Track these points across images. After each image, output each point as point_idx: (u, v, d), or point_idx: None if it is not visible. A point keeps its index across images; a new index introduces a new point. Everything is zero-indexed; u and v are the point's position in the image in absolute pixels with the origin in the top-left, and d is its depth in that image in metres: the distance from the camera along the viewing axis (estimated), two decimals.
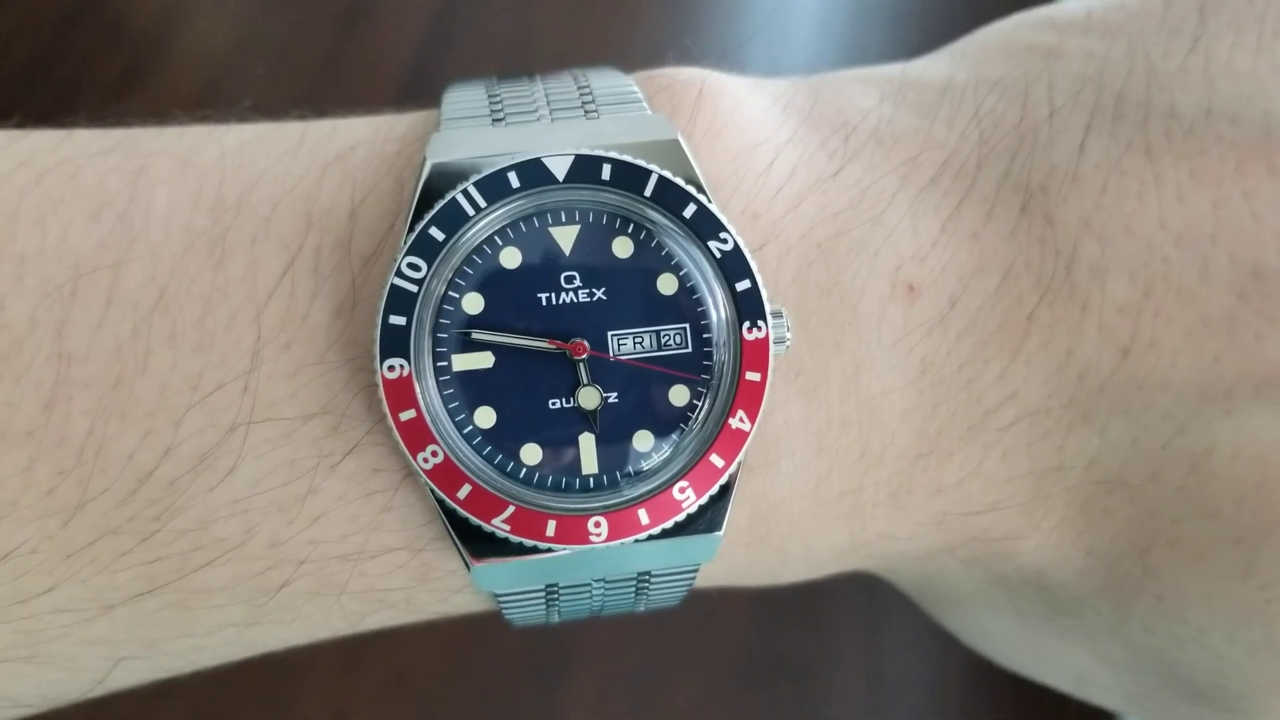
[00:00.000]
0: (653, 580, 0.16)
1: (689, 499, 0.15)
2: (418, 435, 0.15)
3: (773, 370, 0.16)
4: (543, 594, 0.16)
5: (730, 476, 0.16)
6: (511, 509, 0.15)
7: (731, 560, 0.18)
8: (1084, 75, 0.17)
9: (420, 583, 0.16)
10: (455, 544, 0.15)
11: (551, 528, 0.15)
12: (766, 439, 0.16)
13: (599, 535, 0.15)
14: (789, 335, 0.16)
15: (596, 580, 0.16)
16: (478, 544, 0.15)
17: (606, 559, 0.15)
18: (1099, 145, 0.17)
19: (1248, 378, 0.15)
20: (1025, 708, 0.82)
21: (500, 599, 0.16)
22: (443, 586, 0.16)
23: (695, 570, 0.17)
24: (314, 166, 0.16)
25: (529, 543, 0.15)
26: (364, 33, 1.18)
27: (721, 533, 0.16)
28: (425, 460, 0.15)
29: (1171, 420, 0.16)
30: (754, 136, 0.18)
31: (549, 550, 0.15)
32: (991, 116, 0.18)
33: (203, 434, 0.15)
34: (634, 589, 0.16)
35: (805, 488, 0.17)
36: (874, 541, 0.18)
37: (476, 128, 0.15)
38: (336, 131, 0.16)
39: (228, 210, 0.15)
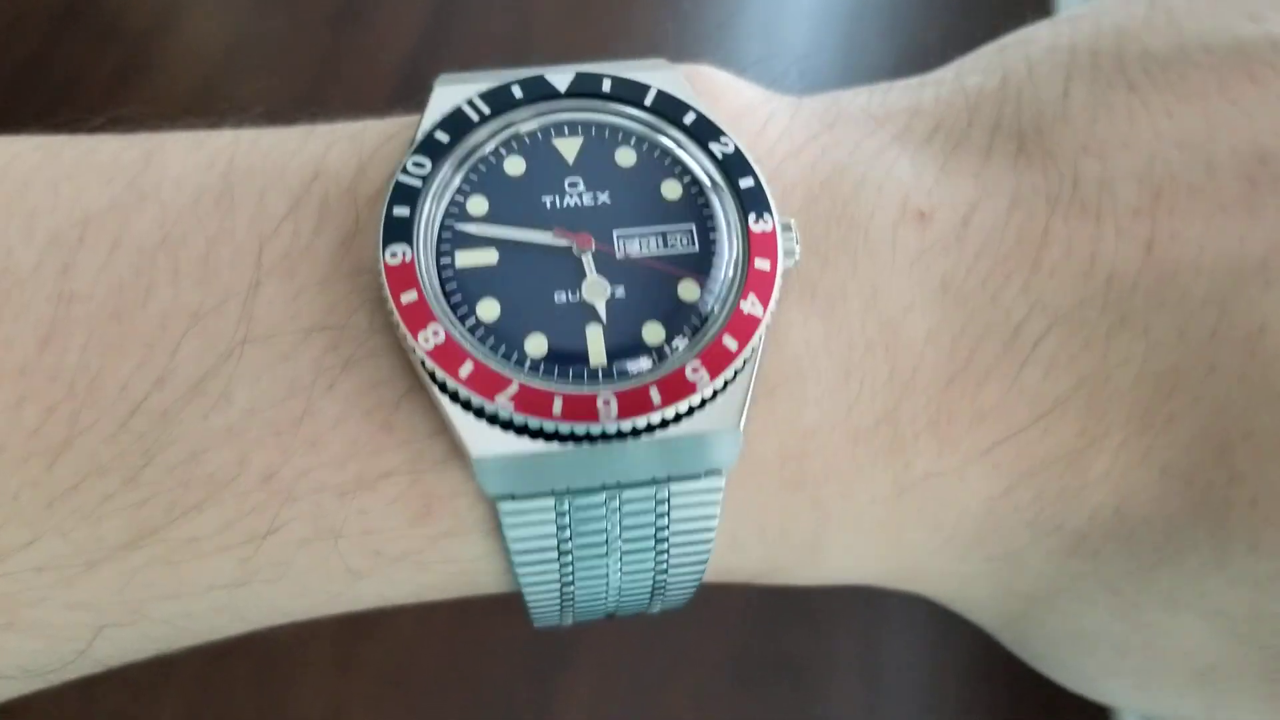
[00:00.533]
0: (673, 511, 0.15)
1: (703, 379, 0.14)
2: (419, 316, 0.14)
3: (782, 270, 0.16)
4: (553, 528, 0.15)
5: (744, 362, 0.15)
6: (516, 386, 0.14)
7: (762, 521, 0.16)
8: (1056, 44, 0.18)
9: (420, 520, 0.15)
10: (455, 433, 0.14)
11: (558, 405, 0.14)
12: (787, 362, 0.16)
13: (609, 413, 0.14)
14: (798, 248, 0.16)
15: (610, 489, 0.15)
16: (480, 435, 0.14)
17: (620, 456, 0.14)
18: (1082, 89, 0.17)
19: (1278, 251, 0.15)
20: (1022, 707, 0.82)
21: (507, 526, 0.15)
22: (446, 527, 0.15)
23: (718, 491, 0.15)
24: (325, 141, 0.16)
25: (534, 422, 0.14)
26: (361, 31, 1.18)
27: (741, 429, 0.15)
28: (426, 340, 0.14)
29: (1212, 304, 0.15)
30: (749, 100, 0.18)
31: (555, 435, 0.14)
32: (975, 88, 0.18)
33: (199, 360, 0.14)
34: (653, 532, 0.15)
35: (836, 415, 0.16)
36: (921, 485, 0.16)
37: (481, 72, 0.16)
38: (350, 124, 0.17)
39: (238, 172, 0.15)
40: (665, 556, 0.16)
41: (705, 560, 0.16)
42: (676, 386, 0.14)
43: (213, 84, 1.15)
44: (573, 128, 0.16)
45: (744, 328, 0.15)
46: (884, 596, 0.89)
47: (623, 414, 0.14)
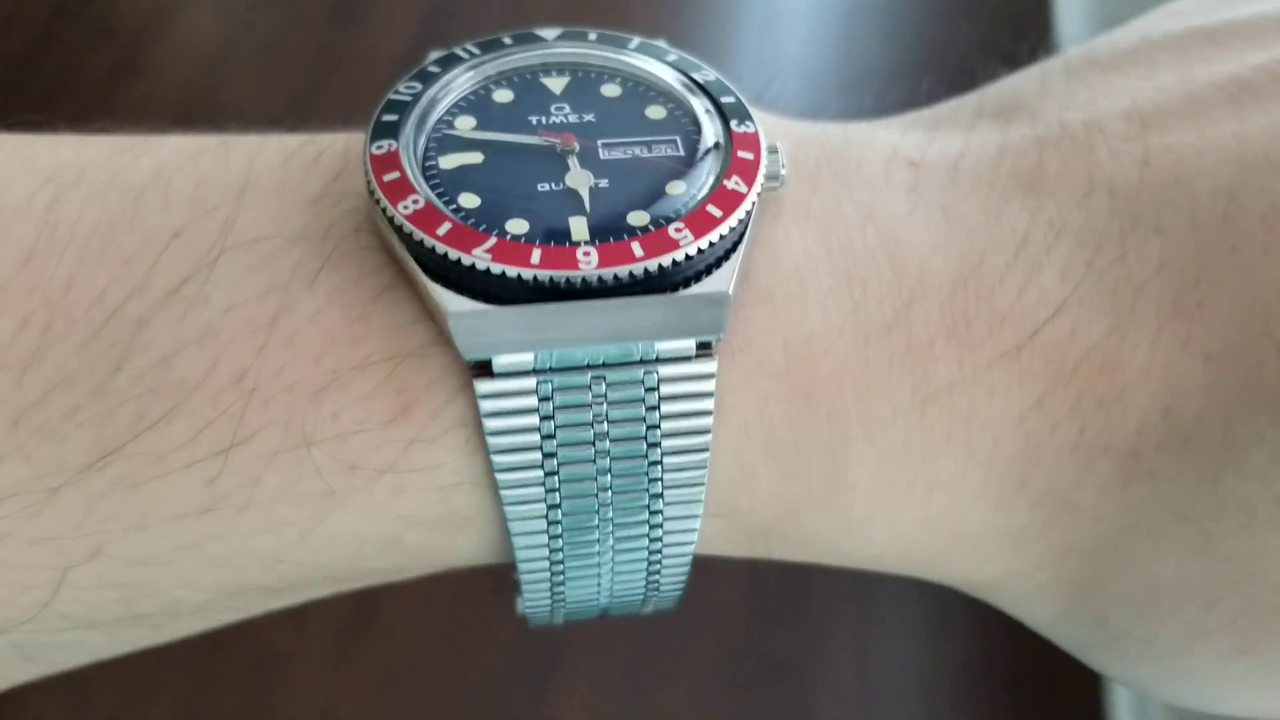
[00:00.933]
0: (662, 390, 0.14)
1: (686, 238, 0.14)
2: (400, 189, 0.14)
3: (767, 184, 0.15)
4: (534, 401, 0.14)
5: (730, 230, 0.14)
6: (494, 240, 0.14)
7: (772, 436, 0.15)
8: (1028, 69, 0.19)
9: (396, 421, 0.14)
10: (431, 297, 0.14)
11: (536, 255, 0.13)
12: (785, 268, 0.15)
13: (589, 262, 0.13)
14: (784, 170, 0.15)
15: (595, 369, 0.14)
16: (456, 292, 0.14)
17: (601, 312, 0.14)
18: (1057, 80, 0.18)
19: (1277, 140, 0.15)
20: (1013, 704, 0.82)
21: (484, 402, 0.14)
22: (420, 429, 0.14)
23: (710, 377, 0.14)
24: (327, 137, 0.16)
25: (512, 272, 0.13)
26: (357, 29, 1.18)
27: (730, 293, 0.14)
28: (405, 207, 0.14)
29: (1220, 194, 0.15)
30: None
31: (535, 286, 0.13)
32: (956, 100, 0.19)
33: (178, 268, 0.14)
34: (643, 414, 0.14)
35: (843, 316, 0.15)
36: (944, 396, 0.15)
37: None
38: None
39: (236, 143, 0.16)
40: (658, 450, 0.14)
41: (703, 467, 0.15)
42: (659, 242, 0.14)
43: (207, 80, 1.15)
44: (560, 69, 0.16)
45: (729, 200, 0.14)
46: (878, 594, 0.89)
47: (603, 264, 0.13)
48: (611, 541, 0.15)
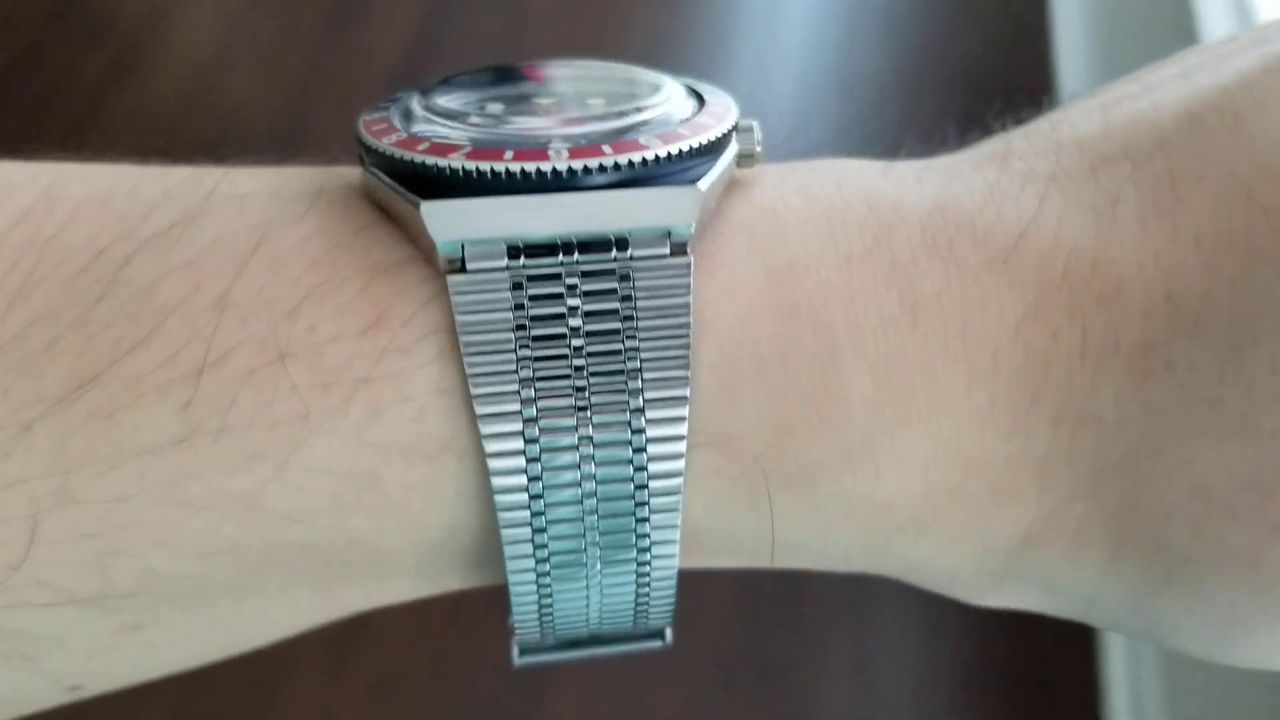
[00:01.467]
0: (636, 280, 0.14)
1: (654, 144, 0.14)
2: (386, 132, 0.15)
3: (738, 161, 0.16)
4: (507, 290, 0.14)
5: (700, 146, 0.15)
6: (469, 145, 0.14)
7: (758, 353, 0.15)
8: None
9: (371, 331, 0.14)
10: (405, 199, 0.14)
11: (510, 154, 0.14)
12: (761, 208, 0.16)
13: (559, 155, 0.14)
14: (759, 147, 0.16)
15: (568, 262, 0.14)
16: (432, 195, 0.14)
17: (572, 202, 0.14)
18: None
19: (1222, 81, 0.16)
20: (1011, 707, 0.82)
21: (456, 294, 0.14)
22: (393, 338, 0.14)
23: (685, 273, 0.14)
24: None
25: (484, 166, 0.14)
26: (354, 32, 1.17)
27: (703, 187, 0.14)
28: (390, 139, 0.15)
29: (1180, 118, 0.16)
30: None
31: (508, 177, 0.14)
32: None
33: (169, 214, 0.14)
34: (618, 305, 0.14)
35: (823, 241, 0.15)
36: (934, 305, 0.15)
37: None
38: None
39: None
40: (638, 370, 0.14)
41: (685, 369, 0.14)
42: (628, 146, 0.14)
43: (204, 83, 1.15)
44: (550, 92, 0.17)
45: (699, 128, 0.15)
46: (874, 597, 0.89)
47: (573, 156, 0.14)
48: (594, 466, 0.14)
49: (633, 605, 0.16)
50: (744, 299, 0.15)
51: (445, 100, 0.16)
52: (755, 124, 0.16)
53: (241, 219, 0.14)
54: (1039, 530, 0.16)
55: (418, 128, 0.15)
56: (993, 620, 0.90)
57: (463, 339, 0.14)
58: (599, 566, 0.15)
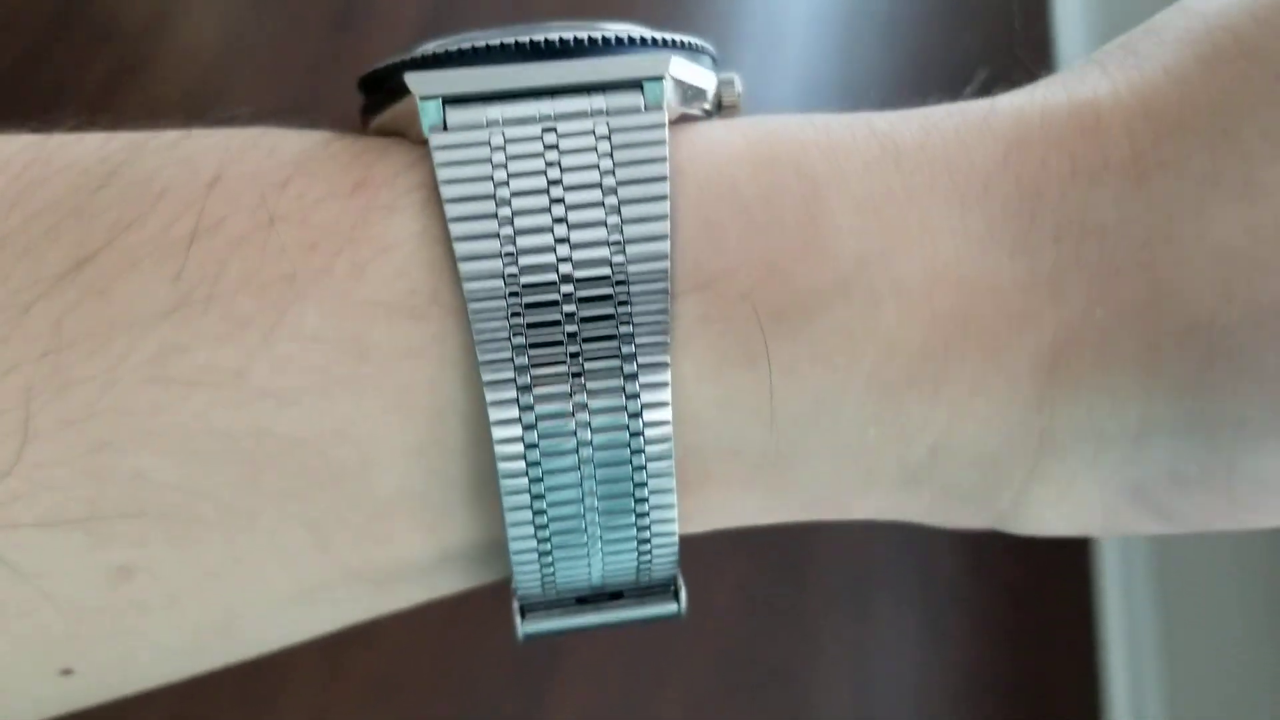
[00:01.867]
0: (615, 150, 0.14)
1: (626, 29, 0.15)
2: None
3: (710, 108, 0.16)
4: (486, 151, 0.14)
5: (672, 40, 0.15)
6: (461, 36, 0.15)
7: (740, 197, 0.14)
8: None
9: (356, 190, 0.14)
10: (392, 84, 0.15)
11: (494, 41, 0.15)
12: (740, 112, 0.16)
13: (536, 33, 0.15)
14: (740, 91, 0.16)
15: (546, 120, 0.14)
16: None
17: (546, 66, 0.15)
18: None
19: None
20: (1010, 711, 0.82)
21: (438, 154, 0.14)
22: (378, 196, 0.14)
23: (660, 127, 0.14)
24: None
25: (465, 45, 0.15)
26: (357, 35, 1.18)
27: (674, 68, 0.15)
28: (379, 63, 0.15)
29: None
30: None
31: (486, 50, 0.15)
32: None
33: (176, 132, 0.15)
34: (596, 162, 0.14)
35: (799, 120, 0.16)
36: (916, 154, 0.15)
37: None
38: None
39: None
40: (618, 217, 0.14)
41: (664, 218, 0.14)
42: (600, 31, 0.15)
43: (207, 86, 1.15)
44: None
45: (678, 42, 0.16)
46: (875, 599, 0.89)
47: (549, 33, 0.15)
48: (581, 348, 0.14)
49: (636, 549, 0.15)
50: (722, 152, 0.15)
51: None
52: (736, 77, 0.16)
53: (244, 131, 0.15)
54: (1063, 348, 0.15)
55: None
56: (994, 625, 0.90)
57: (443, 188, 0.14)
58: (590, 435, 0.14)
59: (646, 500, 0.14)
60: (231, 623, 0.15)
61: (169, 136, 0.15)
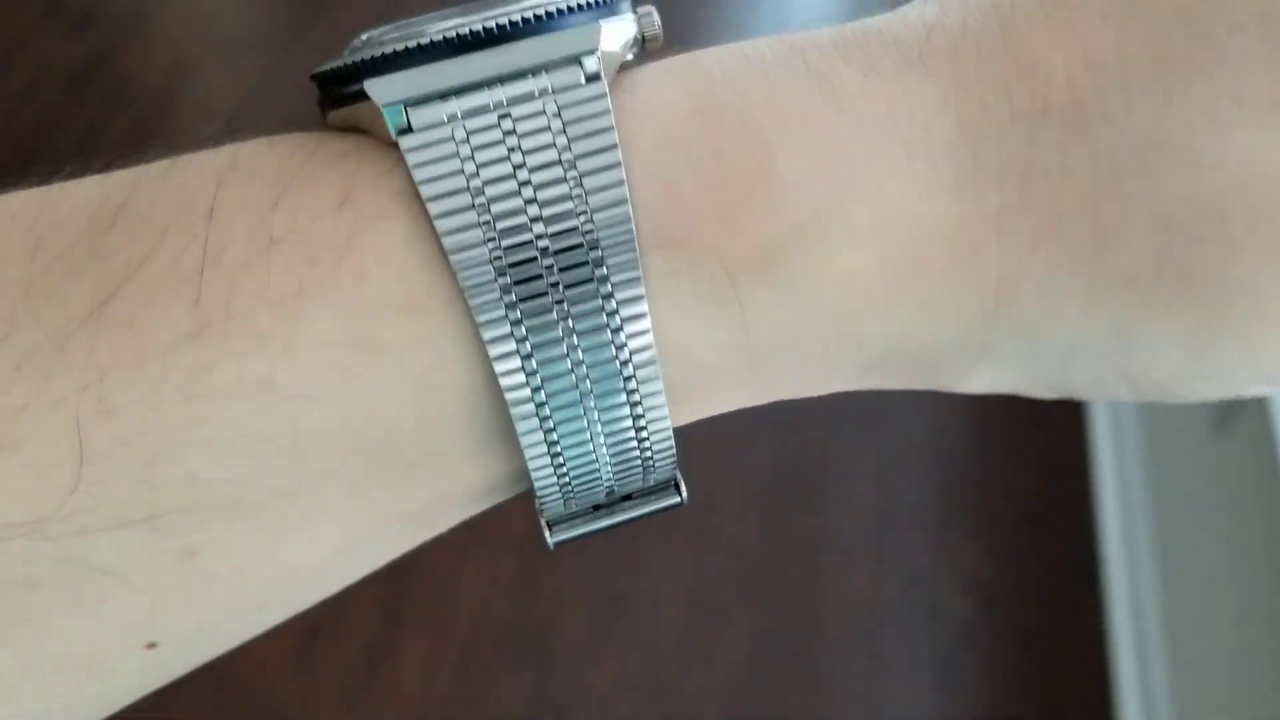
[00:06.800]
0: (567, 125, 0.16)
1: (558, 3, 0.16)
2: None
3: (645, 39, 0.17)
4: (454, 146, 0.15)
5: (602, 2, 0.16)
6: (399, 44, 0.16)
7: (688, 152, 0.16)
8: None
9: (345, 203, 0.15)
10: (350, 91, 0.16)
11: (435, 33, 0.16)
12: (674, 59, 0.17)
13: (475, 23, 0.16)
14: (658, 28, 0.17)
15: (500, 108, 0.16)
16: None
17: (490, 55, 0.16)
18: None
19: None
20: None
21: (412, 165, 0.15)
22: (367, 207, 0.16)
23: (603, 98, 0.15)
24: None
25: (411, 43, 0.16)
26: None
27: (602, 24, 0.16)
28: (332, 60, 0.16)
29: None
30: None
31: (431, 45, 0.16)
32: None
33: (160, 165, 0.16)
34: (552, 140, 0.15)
35: (735, 64, 0.16)
36: (859, 99, 0.16)
37: None
38: None
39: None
40: (580, 188, 0.15)
41: (621, 184, 0.15)
42: (536, 6, 0.16)
43: (226, 142, 1.17)
44: None
45: None
46: (885, 644, 0.88)
47: (485, 23, 0.16)
48: (562, 291, 0.16)
49: (637, 448, 0.17)
50: (667, 111, 0.16)
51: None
52: (652, 9, 0.17)
53: (218, 153, 0.16)
54: (1009, 279, 0.16)
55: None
56: (1005, 667, 0.89)
57: (422, 189, 0.15)
58: (591, 389, 0.16)
59: (640, 404, 0.16)
60: (292, 577, 0.17)
61: (157, 168, 0.16)
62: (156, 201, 0.15)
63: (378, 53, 0.15)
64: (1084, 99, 0.15)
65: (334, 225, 0.15)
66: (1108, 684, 0.84)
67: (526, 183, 0.15)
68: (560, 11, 0.16)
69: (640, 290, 0.15)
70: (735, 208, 0.15)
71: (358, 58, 0.16)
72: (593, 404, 0.16)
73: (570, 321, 0.15)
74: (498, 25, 0.15)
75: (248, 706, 0.78)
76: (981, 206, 0.16)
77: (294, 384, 0.15)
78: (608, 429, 0.16)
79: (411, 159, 0.15)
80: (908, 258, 0.16)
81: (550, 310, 0.15)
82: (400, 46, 0.15)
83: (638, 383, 0.16)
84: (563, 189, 0.15)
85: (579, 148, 0.15)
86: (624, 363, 0.16)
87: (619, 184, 0.15)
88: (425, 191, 0.15)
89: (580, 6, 0.16)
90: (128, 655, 0.16)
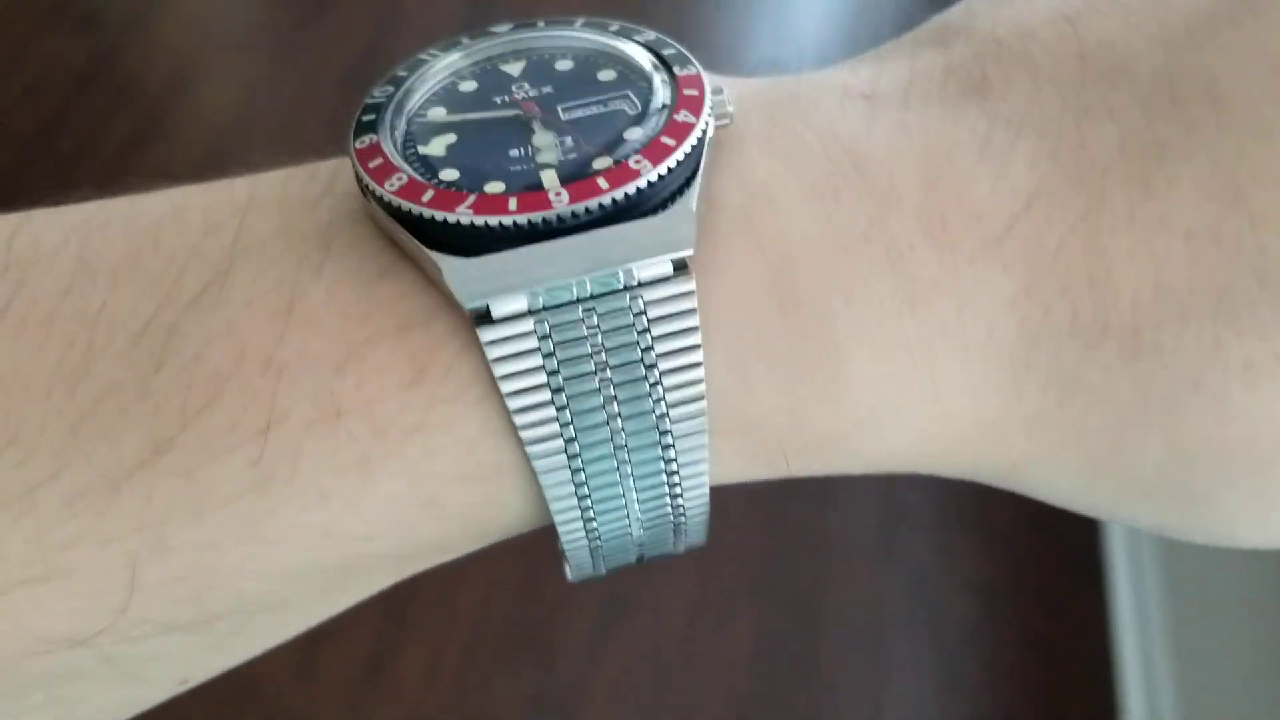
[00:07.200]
0: (650, 314, 0.15)
1: (645, 167, 0.15)
2: (385, 171, 0.15)
3: (715, 123, 0.16)
4: (535, 342, 0.15)
5: (686, 156, 0.16)
6: (474, 198, 0.15)
7: (767, 345, 0.16)
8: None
9: (415, 384, 0.15)
10: (425, 258, 0.15)
11: (513, 203, 0.15)
12: (752, 190, 0.16)
13: (560, 201, 0.15)
14: (732, 108, 0.16)
15: (585, 301, 0.15)
16: (449, 253, 0.15)
17: (580, 245, 0.15)
18: (982, 3, 0.19)
19: (1196, 18, 0.16)
20: None
21: (492, 359, 0.15)
22: (438, 390, 0.15)
23: (691, 294, 0.15)
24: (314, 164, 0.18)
25: (494, 221, 0.15)
26: (370, 89, 1.20)
27: (694, 206, 0.15)
28: (391, 184, 0.15)
29: (1161, 75, 0.16)
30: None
31: (517, 234, 0.15)
32: (886, 47, 0.19)
33: (200, 277, 0.15)
34: (636, 339, 0.15)
35: (816, 229, 0.16)
36: (931, 294, 0.16)
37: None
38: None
39: (241, 180, 0.17)
40: (656, 371, 0.15)
41: (700, 382, 0.15)
42: (621, 174, 0.15)
43: (225, 145, 1.17)
44: (516, 55, 0.18)
45: (680, 130, 0.16)
46: (890, 653, 0.88)
47: (574, 199, 0.15)
48: (630, 469, 0.16)
49: (671, 529, 0.17)
50: (747, 297, 0.16)
51: (429, 112, 0.17)
52: (724, 87, 0.17)
53: (265, 278, 0.15)
54: (1023, 464, 0.17)
55: (411, 149, 0.16)
56: (1011, 671, 0.89)
57: (503, 389, 0.15)
58: (640, 535, 0.17)
59: (685, 536, 0.17)
60: (344, 581, 0.17)
61: (195, 284, 0.15)
62: (209, 340, 0.15)
63: (450, 220, 0.15)
64: (1141, 325, 0.16)
65: (403, 404, 0.15)
66: (1112, 684, 0.84)
67: (607, 380, 0.15)
68: (652, 184, 0.15)
69: (704, 468, 0.16)
70: (805, 406, 0.16)
71: (419, 212, 0.15)
72: (643, 537, 0.17)
73: (632, 482, 0.16)
74: (586, 210, 0.15)
75: (251, 710, 0.78)
76: (1020, 408, 0.16)
77: (353, 530, 0.15)
78: (652, 553, 0.18)
79: (491, 352, 0.15)
80: (945, 448, 0.17)
81: (615, 473, 0.16)
82: (479, 223, 0.15)
83: (686, 530, 0.17)
84: (643, 388, 0.15)
85: (662, 347, 0.15)
86: (679, 512, 0.17)
87: (698, 383, 0.15)
88: (504, 387, 0.15)
89: (673, 170, 0.15)
90: (158, 695, 0.17)
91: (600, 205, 0.15)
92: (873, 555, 0.91)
